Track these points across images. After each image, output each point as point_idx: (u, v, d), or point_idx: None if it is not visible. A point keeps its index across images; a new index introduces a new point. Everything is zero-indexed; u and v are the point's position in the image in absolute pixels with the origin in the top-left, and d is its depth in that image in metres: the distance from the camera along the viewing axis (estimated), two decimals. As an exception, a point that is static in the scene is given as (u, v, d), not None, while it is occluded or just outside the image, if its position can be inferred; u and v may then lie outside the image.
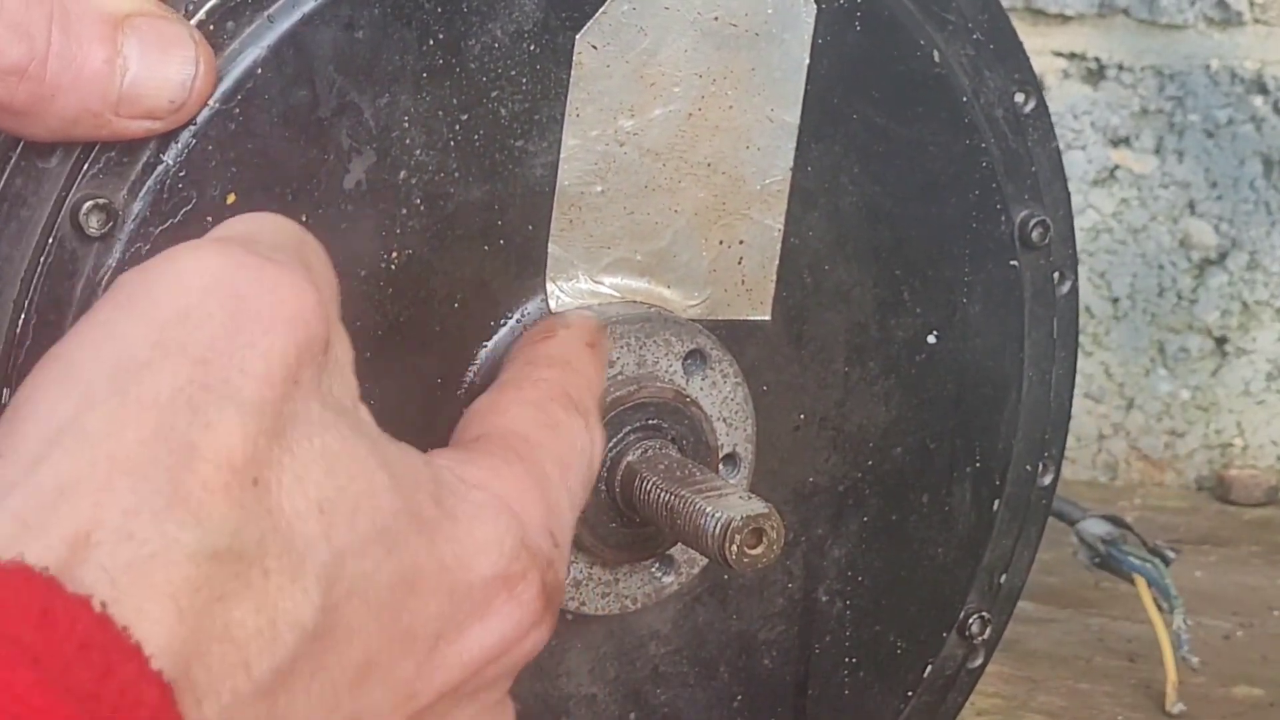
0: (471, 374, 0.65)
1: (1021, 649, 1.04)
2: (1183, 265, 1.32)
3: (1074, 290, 0.75)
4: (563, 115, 0.65)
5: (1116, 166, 1.32)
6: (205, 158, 0.59)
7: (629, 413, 0.66)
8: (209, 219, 0.59)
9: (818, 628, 0.73)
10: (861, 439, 0.72)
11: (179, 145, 0.59)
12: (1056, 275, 0.74)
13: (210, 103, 0.59)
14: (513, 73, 0.64)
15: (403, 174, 0.63)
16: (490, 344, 0.65)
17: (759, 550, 0.62)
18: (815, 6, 0.67)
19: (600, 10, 0.64)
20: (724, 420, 0.68)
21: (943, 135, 0.71)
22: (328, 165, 0.61)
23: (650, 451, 0.66)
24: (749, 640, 0.72)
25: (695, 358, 0.67)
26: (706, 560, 0.67)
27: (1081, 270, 1.33)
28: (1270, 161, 1.30)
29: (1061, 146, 1.32)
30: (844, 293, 0.71)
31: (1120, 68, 1.31)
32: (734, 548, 0.62)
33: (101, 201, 0.58)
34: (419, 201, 0.63)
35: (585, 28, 0.64)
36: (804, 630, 0.73)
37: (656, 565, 0.68)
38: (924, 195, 0.71)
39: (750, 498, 0.64)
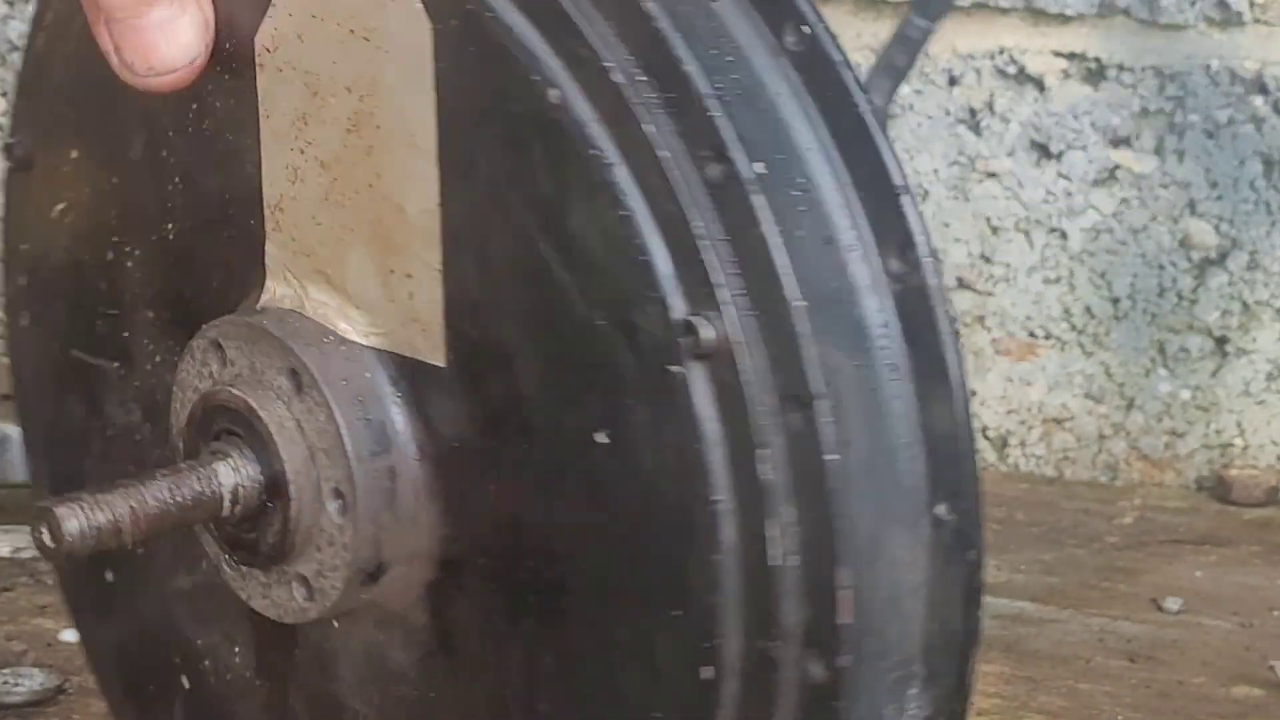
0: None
1: (1021, 649, 1.04)
2: (1183, 265, 1.32)
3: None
4: (259, 116, 0.65)
5: (1116, 166, 1.32)
6: (43, 107, 0.72)
7: (214, 412, 0.66)
8: (65, 169, 0.73)
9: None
10: (552, 535, 0.61)
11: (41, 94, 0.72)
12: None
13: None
14: (218, 67, 0.65)
15: (164, 152, 0.69)
16: (219, 323, 0.67)
17: (44, 538, 0.62)
18: (430, 25, 0.60)
19: (266, 14, 0.64)
20: (324, 451, 0.63)
21: (580, 197, 0.58)
22: (121, 136, 0.70)
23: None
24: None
25: (295, 378, 0.64)
26: (343, 589, 0.64)
27: (1081, 270, 1.33)
28: (1270, 161, 1.30)
29: (1062, 147, 1.33)
30: (506, 358, 0.61)
31: (1120, 68, 1.31)
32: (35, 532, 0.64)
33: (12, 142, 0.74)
34: (179, 180, 0.69)
35: (259, 29, 0.64)
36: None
37: (296, 583, 0.66)
38: (573, 265, 0.58)
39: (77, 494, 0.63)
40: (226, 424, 0.65)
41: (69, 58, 0.71)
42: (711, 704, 0.58)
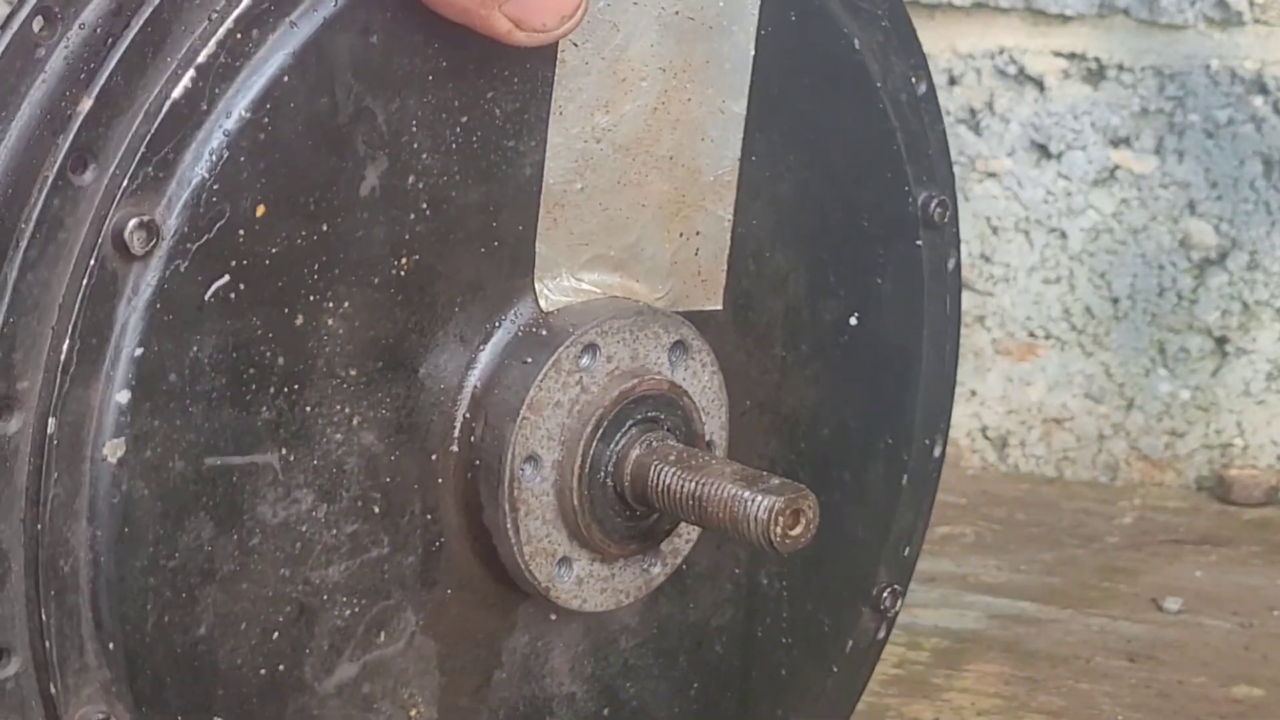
0: (474, 378, 0.65)
1: (1021, 649, 1.04)
2: (1183, 265, 1.32)
3: (958, 267, 0.78)
4: (548, 114, 0.65)
5: (1116, 166, 1.32)
6: (237, 170, 0.59)
7: (631, 407, 0.66)
8: (240, 232, 0.59)
9: (759, 610, 0.74)
10: (796, 421, 0.74)
11: (212, 158, 0.58)
12: (950, 253, 0.78)
13: (240, 112, 0.59)
14: (505, 72, 0.64)
15: (411, 179, 0.63)
16: (488, 347, 0.66)
17: (799, 530, 0.64)
18: (758, 11, 0.69)
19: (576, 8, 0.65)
20: (704, 409, 0.69)
21: (860, 119, 0.74)
22: (345, 172, 0.61)
23: (654, 444, 0.66)
24: (703, 628, 0.73)
25: (679, 349, 0.68)
26: (689, 549, 0.69)
27: (1081, 270, 1.33)
28: (1270, 161, 1.30)
29: (1062, 147, 1.33)
30: (782, 278, 0.73)
31: (1120, 68, 1.31)
32: (778, 529, 0.63)
33: (145, 219, 0.57)
34: (425, 206, 0.63)
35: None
36: (748, 614, 0.74)
37: (644, 558, 0.69)
38: (845, 178, 0.74)
39: (779, 480, 0.65)
40: (643, 414, 0.67)
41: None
42: (895, 502, 0.78)
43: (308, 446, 0.63)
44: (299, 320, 0.62)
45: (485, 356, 0.65)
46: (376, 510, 0.64)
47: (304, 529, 0.63)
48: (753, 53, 0.69)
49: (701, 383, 0.69)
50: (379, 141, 0.62)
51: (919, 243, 0.76)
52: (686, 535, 0.70)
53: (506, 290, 0.66)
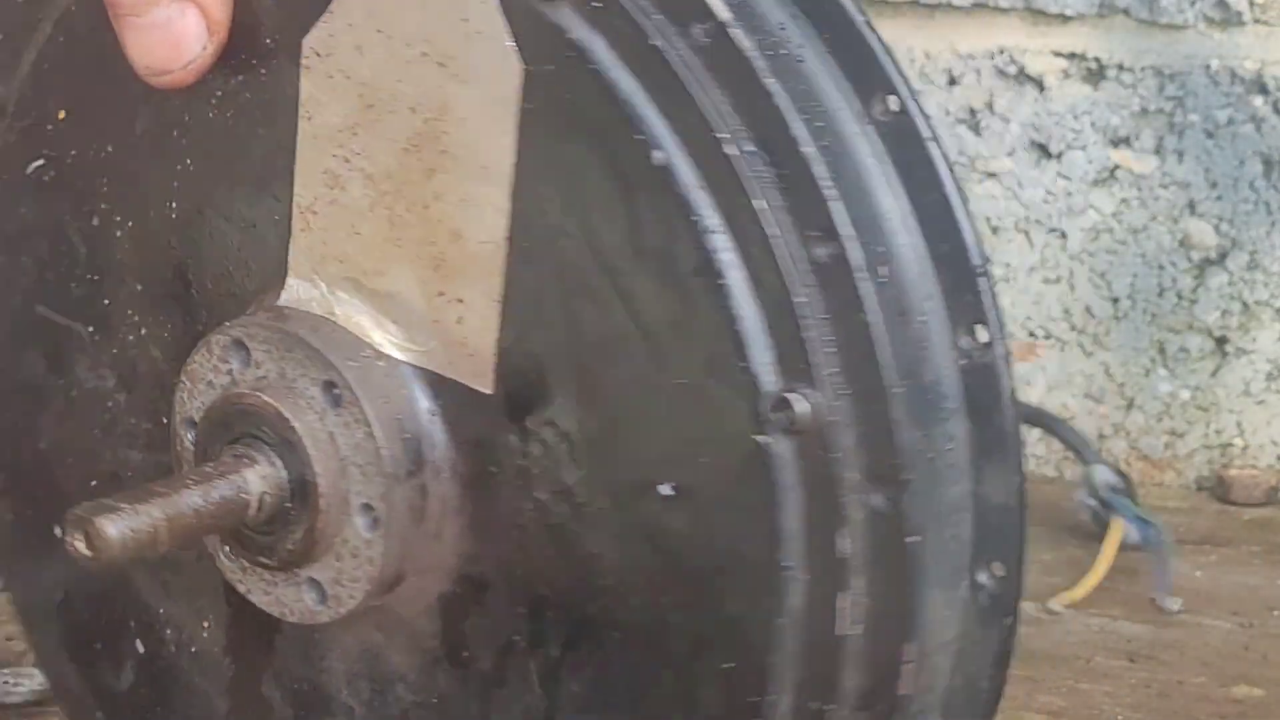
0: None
1: (1021, 649, 1.04)
2: (1183, 265, 1.32)
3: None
4: (297, 117, 0.65)
5: (1116, 166, 1.32)
6: (46, 75, 0.71)
7: (238, 415, 0.65)
8: (49, 127, 0.71)
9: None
10: (593, 569, 0.62)
11: (33, 61, 0.71)
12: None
13: (47, 28, 0.70)
14: (254, 60, 0.65)
15: (175, 133, 0.68)
16: (243, 317, 0.66)
17: (80, 546, 0.60)
18: (522, 65, 0.59)
19: (321, 19, 0.63)
20: (358, 466, 0.63)
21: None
22: (123, 107, 0.69)
23: (226, 455, 0.65)
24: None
25: (330, 390, 0.63)
26: (361, 599, 0.64)
27: (1081, 270, 1.33)
28: (1270, 161, 1.30)
29: (1062, 147, 1.33)
30: (567, 398, 0.61)
31: (1120, 68, 1.31)
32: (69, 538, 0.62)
33: (1, 97, 0.71)
34: (190, 162, 0.68)
35: (310, 32, 0.63)
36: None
37: (306, 586, 0.65)
38: (653, 324, 0.60)
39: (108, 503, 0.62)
40: (250, 428, 0.64)
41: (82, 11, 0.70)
42: None
43: (108, 334, 0.71)
44: (95, 221, 0.71)
45: (236, 329, 0.66)
46: (164, 421, 0.69)
47: (110, 405, 0.72)
48: (514, 121, 0.59)
49: (354, 438, 0.63)
50: (145, 89, 0.66)
51: (766, 440, 0.59)
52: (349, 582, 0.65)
53: (264, 274, 0.66)
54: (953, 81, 1.33)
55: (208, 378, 0.66)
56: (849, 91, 0.59)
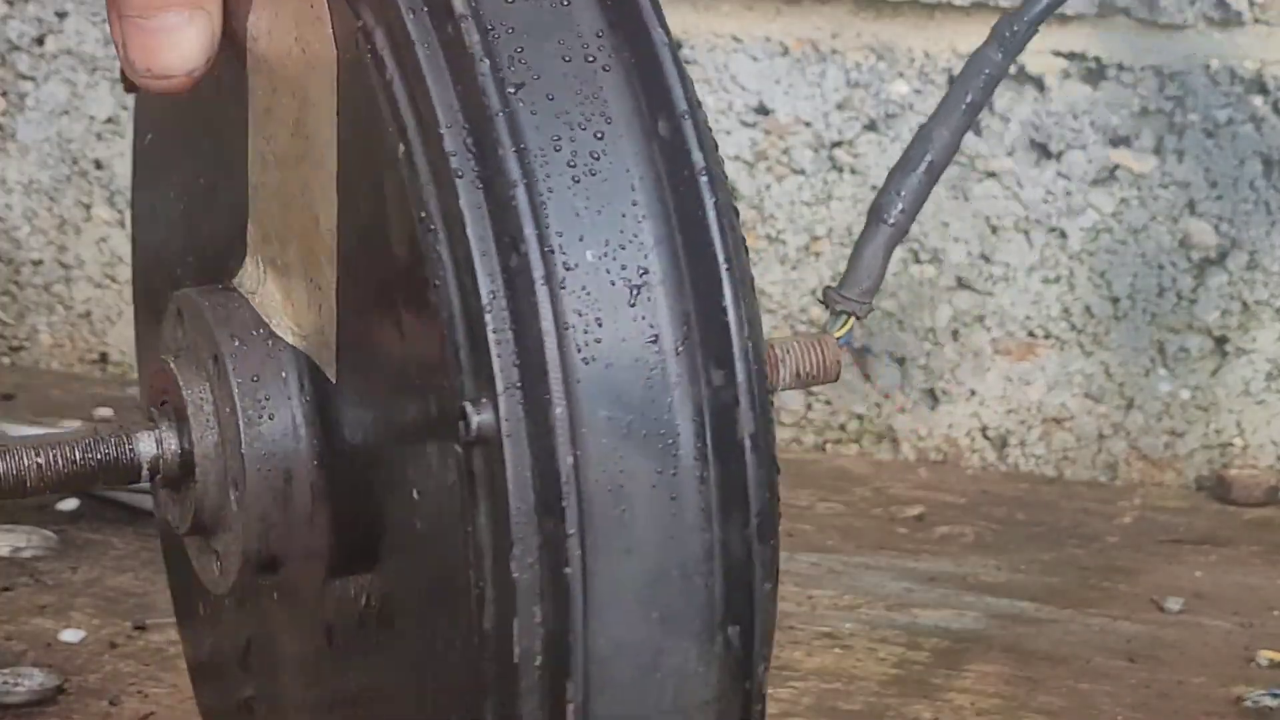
0: None
1: (1021, 649, 1.04)
2: (1183, 265, 1.32)
3: None
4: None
5: (1116, 166, 1.32)
6: None
7: (161, 380, 0.67)
8: None
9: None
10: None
11: None
12: None
13: None
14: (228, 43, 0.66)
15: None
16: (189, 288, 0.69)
17: None
18: (335, 52, 0.60)
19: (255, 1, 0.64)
20: (230, 442, 0.65)
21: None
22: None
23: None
24: None
25: (217, 364, 0.65)
26: (237, 573, 0.66)
27: (1081, 270, 1.33)
28: (1270, 161, 1.30)
29: (1061, 146, 1.33)
30: (375, 391, 0.62)
31: (1120, 68, 1.31)
32: None
33: None
34: (199, 130, 0.71)
35: (250, 14, 0.64)
36: None
37: (212, 555, 0.68)
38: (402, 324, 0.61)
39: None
40: (163, 395, 0.66)
41: None
42: None
43: None
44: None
45: (178, 299, 0.68)
46: None
47: None
48: (334, 109, 0.60)
49: (224, 413, 0.64)
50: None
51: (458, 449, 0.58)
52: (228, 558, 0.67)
53: (239, 253, 0.68)
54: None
55: (165, 343, 0.68)
56: (642, 104, 0.58)
